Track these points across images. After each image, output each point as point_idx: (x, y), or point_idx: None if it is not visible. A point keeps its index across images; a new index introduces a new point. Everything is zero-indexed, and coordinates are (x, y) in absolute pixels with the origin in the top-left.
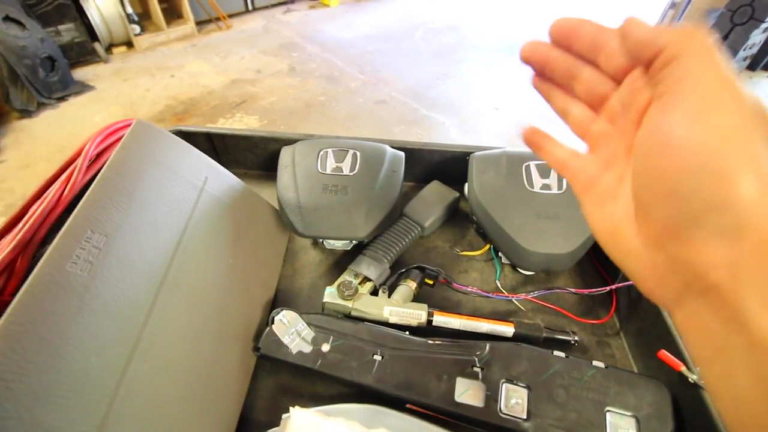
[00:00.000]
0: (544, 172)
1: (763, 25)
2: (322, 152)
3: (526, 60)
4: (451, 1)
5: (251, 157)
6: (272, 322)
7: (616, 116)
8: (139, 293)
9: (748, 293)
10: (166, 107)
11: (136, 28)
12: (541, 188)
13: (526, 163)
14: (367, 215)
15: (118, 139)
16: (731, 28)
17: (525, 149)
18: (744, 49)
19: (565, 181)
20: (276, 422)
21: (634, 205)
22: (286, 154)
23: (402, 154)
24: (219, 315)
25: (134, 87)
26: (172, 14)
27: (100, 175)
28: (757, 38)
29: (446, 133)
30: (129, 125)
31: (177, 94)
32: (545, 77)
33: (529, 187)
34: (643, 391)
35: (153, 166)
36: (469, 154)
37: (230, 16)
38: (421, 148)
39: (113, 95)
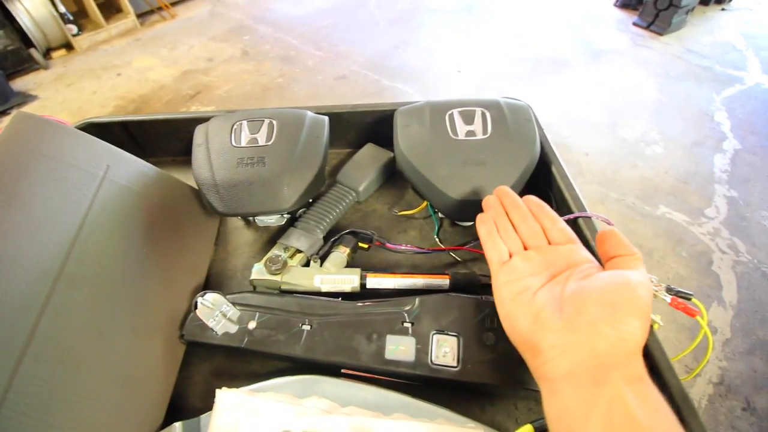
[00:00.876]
0: (468, 118)
1: None
2: (236, 125)
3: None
4: None
5: (175, 142)
6: (195, 307)
7: (546, 252)
8: (27, 293)
9: (619, 371)
10: (116, 108)
11: (73, 28)
12: (466, 135)
13: (450, 111)
14: (289, 185)
15: None
16: None
17: (447, 98)
18: None
19: (489, 126)
20: (211, 407)
21: (572, 307)
22: (199, 133)
23: (324, 118)
24: (134, 307)
25: (80, 91)
26: (111, 9)
27: None
28: None
29: (409, 101)
30: None
31: (126, 93)
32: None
33: (453, 136)
34: None
35: (38, 159)
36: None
37: (173, 4)
38: (352, 111)
39: (58, 102)
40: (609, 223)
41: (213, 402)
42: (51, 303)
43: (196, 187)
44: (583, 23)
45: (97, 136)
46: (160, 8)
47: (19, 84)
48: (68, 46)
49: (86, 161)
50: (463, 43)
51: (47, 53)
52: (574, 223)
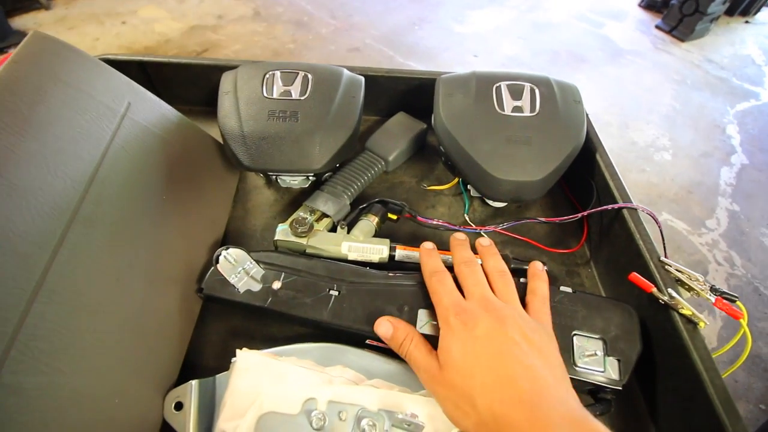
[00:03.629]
0: (516, 93)
1: None
2: (267, 75)
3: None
4: None
5: (195, 90)
6: (217, 261)
7: None
8: (41, 229)
9: None
10: None
11: None
12: (513, 110)
13: (497, 84)
14: (321, 144)
15: None
16: None
17: (496, 69)
18: None
19: (538, 103)
20: (225, 367)
21: None
22: (227, 80)
23: (361, 78)
24: (152, 255)
25: (81, 36)
26: None
27: None
28: None
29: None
30: None
31: (130, 43)
32: None
33: (499, 110)
34: (610, 314)
35: (56, 85)
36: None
37: None
38: (385, 75)
39: None
40: (653, 217)
41: (229, 362)
42: (66, 243)
43: (218, 138)
44: (606, 20)
45: None
46: None
47: (18, 23)
48: None
49: (106, 94)
50: (482, 27)
51: None
52: (617, 214)
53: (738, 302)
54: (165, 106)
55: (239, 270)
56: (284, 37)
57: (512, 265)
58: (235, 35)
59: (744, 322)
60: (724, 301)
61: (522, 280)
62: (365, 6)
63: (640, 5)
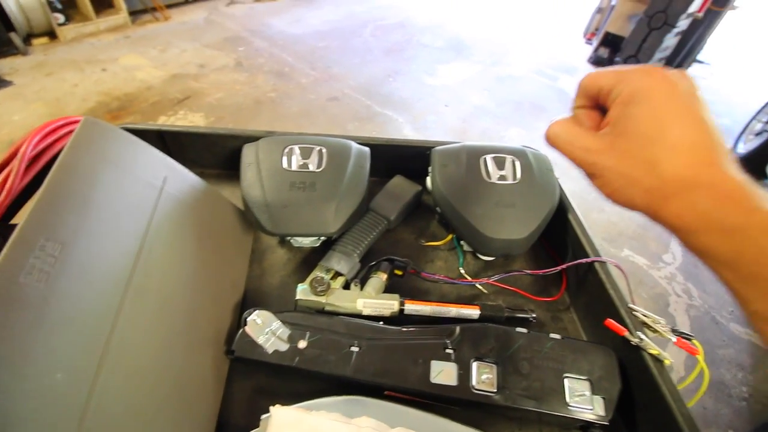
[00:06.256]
0: (500, 164)
1: (675, 30)
2: (287, 149)
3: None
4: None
5: (208, 156)
6: (245, 324)
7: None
8: (103, 302)
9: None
10: (98, 104)
11: (60, 17)
12: (498, 179)
13: (483, 157)
14: (337, 211)
15: (59, 139)
16: (648, 33)
17: (480, 143)
18: (659, 51)
19: (519, 172)
20: (254, 424)
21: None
22: (249, 152)
23: (367, 149)
24: (188, 320)
25: (60, 82)
26: (102, 3)
27: (49, 177)
28: (670, 41)
29: (399, 129)
30: (71, 123)
31: (110, 90)
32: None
33: (486, 178)
34: (594, 357)
35: (107, 167)
36: (428, 149)
37: (168, 6)
38: (385, 144)
39: (35, 91)
40: (620, 268)
41: (257, 419)
42: (122, 313)
43: (231, 200)
44: (560, 74)
45: None
46: (154, 9)
47: None
48: (51, 35)
49: (147, 171)
50: (451, 79)
51: (28, 39)
52: (589, 267)
53: (694, 340)
54: (192, 177)
55: (266, 331)
56: (266, 87)
57: (506, 314)
58: (218, 84)
59: (701, 358)
60: (683, 339)
61: (518, 329)
62: (343, 59)
63: (588, 61)
